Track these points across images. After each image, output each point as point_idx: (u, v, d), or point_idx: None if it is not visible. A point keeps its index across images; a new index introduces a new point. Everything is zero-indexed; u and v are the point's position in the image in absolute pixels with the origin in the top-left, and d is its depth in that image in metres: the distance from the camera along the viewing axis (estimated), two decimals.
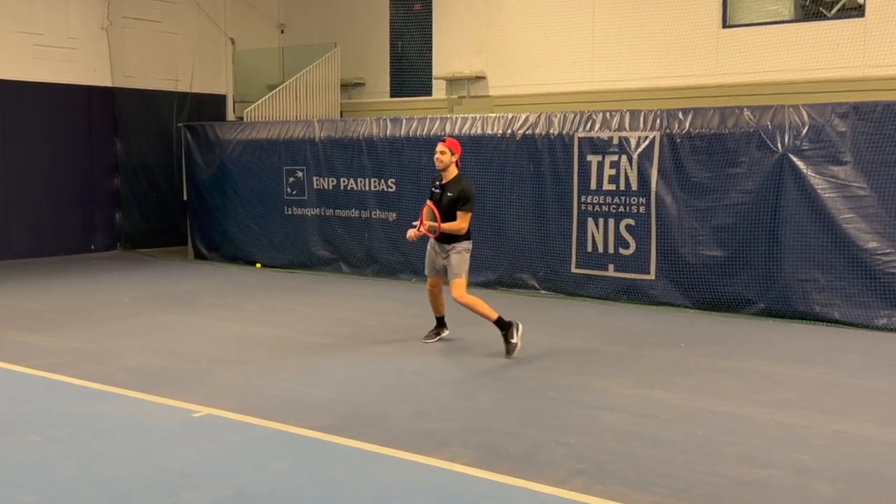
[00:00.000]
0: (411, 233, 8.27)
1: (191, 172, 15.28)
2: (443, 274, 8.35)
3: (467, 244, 8.20)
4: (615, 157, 10.85)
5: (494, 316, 8.04)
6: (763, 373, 7.57)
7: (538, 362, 7.89)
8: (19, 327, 9.39)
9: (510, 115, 11.88)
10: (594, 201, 11.05)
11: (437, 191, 8.19)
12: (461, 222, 8.06)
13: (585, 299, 11.10)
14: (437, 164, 8.15)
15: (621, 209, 10.84)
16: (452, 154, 8.08)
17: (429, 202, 8.23)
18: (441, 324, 8.72)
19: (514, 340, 7.98)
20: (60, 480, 5.04)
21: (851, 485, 5.02)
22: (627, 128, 10.80)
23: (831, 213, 9.51)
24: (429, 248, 8.38)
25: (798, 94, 11.99)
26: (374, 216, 13.08)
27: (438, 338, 8.65)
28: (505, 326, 8.04)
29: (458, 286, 8.08)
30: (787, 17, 13.25)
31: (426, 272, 8.49)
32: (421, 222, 8.21)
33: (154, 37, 16.61)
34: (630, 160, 10.73)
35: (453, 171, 8.13)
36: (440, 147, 8.12)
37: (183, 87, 16.81)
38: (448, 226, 8.06)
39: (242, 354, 8.23)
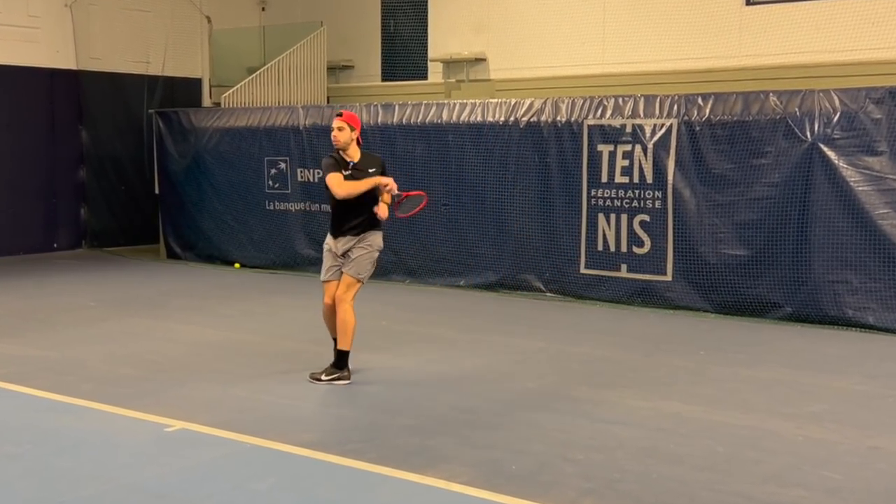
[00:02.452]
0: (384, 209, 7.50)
1: (163, 164, 15.26)
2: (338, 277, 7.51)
3: (380, 238, 7.54)
4: (628, 147, 10.85)
5: (348, 348, 7.39)
6: (790, 383, 7.57)
7: (544, 372, 7.89)
8: None
9: (513, 101, 11.87)
10: (605, 195, 11.05)
11: (350, 173, 7.36)
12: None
13: (595, 303, 11.10)
14: (334, 142, 7.37)
15: (635, 204, 10.84)
16: (353, 129, 7.40)
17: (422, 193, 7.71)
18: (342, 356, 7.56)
19: (325, 378, 7.39)
20: (19, 501, 5.03)
21: None
22: (642, 115, 10.79)
23: (865, 208, 9.51)
24: (327, 244, 7.59)
25: (829, 78, 11.98)
26: None
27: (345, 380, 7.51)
28: (342, 365, 7.43)
29: (352, 287, 7.38)
30: None
31: (322, 278, 7.60)
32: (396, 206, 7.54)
33: (123, 15, 16.58)
34: (645, 150, 10.73)
35: (356, 148, 7.44)
36: (338, 123, 7.37)
37: (154, 70, 16.76)
38: (364, 183, 7.29)
39: (219, 363, 8.22)
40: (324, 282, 7.60)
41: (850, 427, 6.40)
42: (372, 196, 7.43)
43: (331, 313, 7.56)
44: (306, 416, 6.60)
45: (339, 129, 7.38)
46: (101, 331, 9.58)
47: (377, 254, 7.52)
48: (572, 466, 5.58)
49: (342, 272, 7.46)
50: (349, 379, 7.45)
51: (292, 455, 5.76)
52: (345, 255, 7.48)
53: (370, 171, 7.45)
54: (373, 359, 8.39)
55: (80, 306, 11.01)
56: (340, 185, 7.31)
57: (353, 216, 7.45)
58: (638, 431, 6.27)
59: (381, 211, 7.48)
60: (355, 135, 7.45)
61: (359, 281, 7.44)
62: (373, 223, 7.51)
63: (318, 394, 7.20)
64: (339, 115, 7.47)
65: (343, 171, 7.39)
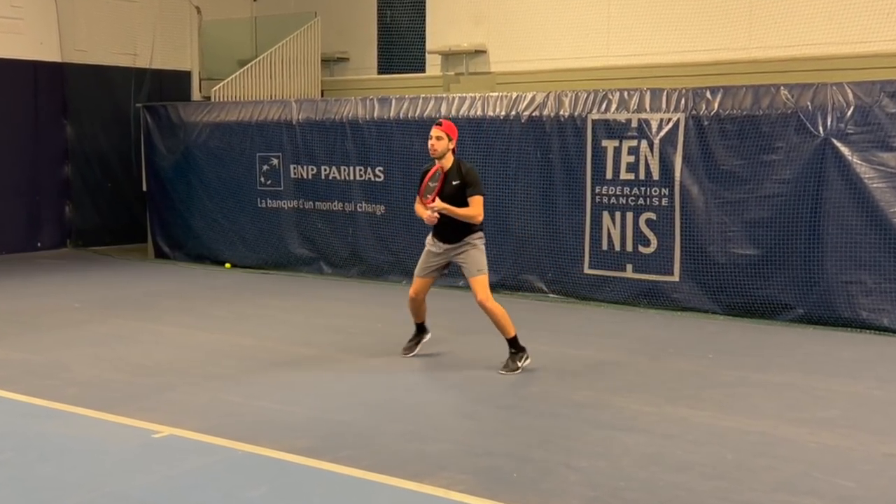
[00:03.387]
0: (426, 212, 7.94)
1: (151, 160, 15.25)
2: (438, 276, 8.25)
3: (482, 235, 8.00)
4: (634, 143, 10.85)
5: (513, 332, 7.95)
6: (802, 388, 7.58)
7: (546, 376, 7.89)
8: None
9: (514, 95, 11.87)
10: (610, 193, 11.05)
11: (436, 185, 7.87)
12: (475, 208, 7.81)
13: (600, 304, 11.10)
14: (431, 151, 7.90)
15: (641, 202, 10.84)
16: (450, 140, 7.87)
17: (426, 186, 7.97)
18: (421, 329, 8.56)
19: (519, 364, 7.93)
20: None
21: None
22: (648, 109, 10.79)
23: (880, 206, 9.52)
24: (428, 244, 8.17)
25: (843, 71, 11.99)
26: (359, 209, 13.08)
27: (420, 345, 8.53)
28: (519, 348, 7.99)
29: (483, 286, 7.86)
30: None
31: (417, 272, 8.24)
32: (425, 201, 7.93)
33: (109, 5, 16.58)
34: (651, 146, 10.73)
35: (450, 160, 7.91)
36: (435, 131, 7.89)
37: (142, 63, 16.77)
38: (461, 211, 7.79)
39: (210, 367, 8.22)
40: (417, 276, 8.22)
41: (864, 433, 6.40)
42: (463, 205, 7.82)
43: (416, 304, 8.31)
44: (299, 422, 6.59)
45: (438, 138, 7.85)
46: (87, 333, 9.58)
47: (482, 246, 7.99)
48: (576, 474, 5.57)
49: (466, 277, 8.01)
50: (528, 356, 8.02)
51: (285, 462, 5.75)
52: (450, 261, 8.07)
53: (454, 183, 7.84)
54: (368, 362, 8.39)
55: (64, 308, 11.00)
56: (417, 207, 8.17)
57: (450, 225, 7.95)
58: (644, 437, 6.26)
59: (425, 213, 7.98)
60: (452, 145, 7.90)
61: (484, 274, 7.91)
62: (470, 228, 7.94)
63: (312, 399, 7.20)
64: (439, 123, 7.94)
65: (430, 184, 7.94)
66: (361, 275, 13.12)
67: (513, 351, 7.97)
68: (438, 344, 8.77)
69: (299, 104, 13.79)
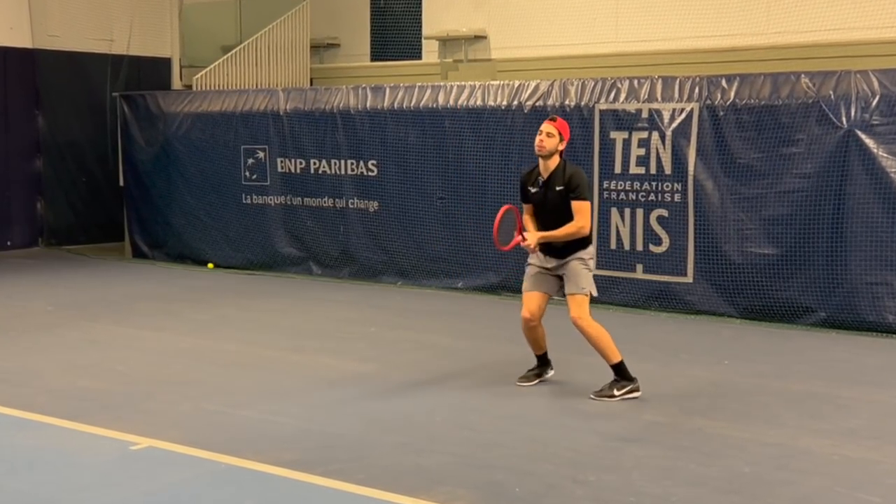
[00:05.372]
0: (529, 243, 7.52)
1: (128, 153, 15.25)
2: (551, 292, 7.67)
3: (591, 250, 7.53)
4: (644, 135, 10.85)
5: (618, 358, 7.42)
6: (824, 396, 7.58)
7: (552, 384, 7.88)
8: None
9: (517, 83, 11.87)
10: (619, 188, 11.05)
11: (538, 190, 7.50)
12: (580, 220, 7.33)
13: (608, 306, 11.09)
14: (538, 149, 7.44)
15: (652, 197, 10.84)
16: (561, 139, 7.43)
17: (513, 208, 7.64)
18: (544, 362, 7.94)
19: (616, 393, 7.37)
20: None
21: None
22: (659, 98, 10.80)
23: None
24: (531, 259, 7.71)
25: (867, 58, 12.00)
26: (350, 206, 13.07)
27: (540, 380, 7.89)
28: (626, 376, 7.44)
29: (581, 305, 7.41)
30: None
31: (525, 287, 7.73)
32: (519, 230, 7.55)
33: None
34: (663, 138, 10.73)
35: (556, 161, 7.45)
36: (547, 126, 7.42)
37: (119, 49, 16.75)
38: (562, 231, 7.35)
39: (191, 374, 8.21)
40: (526, 291, 7.71)
41: (890, 445, 6.40)
42: (568, 214, 7.38)
43: (531, 329, 7.71)
44: (287, 433, 6.59)
45: (549, 134, 7.41)
46: (60, 338, 9.57)
47: (591, 262, 7.55)
48: (583, 489, 5.57)
49: (565, 294, 7.51)
50: (637, 388, 7.42)
51: (271, 476, 5.74)
52: (558, 275, 7.55)
53: (557, 188, 7.42)
54: (360, 369, 8.39)
55: (35, 311, 10.99)
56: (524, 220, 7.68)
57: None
58: (655, 450, 6.26)
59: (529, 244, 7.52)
60: (562, 146, 7.47)
61: (585, 295, 7.46)
62: (580, 242, 7.46)
63: (300, 409, 7.20)
64: (553, 119, 7.52)
65: (530, 189, 7.56)
66: (353, 276, 13.11)
67: (616, 379, 7.43)
68: (435, 349, 8.76)
69: (287, 93, 13.78)
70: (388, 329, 10.01)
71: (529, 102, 11.63)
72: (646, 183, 10.87)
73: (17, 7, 15.93)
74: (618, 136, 11.04)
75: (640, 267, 10.99)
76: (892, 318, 9.63)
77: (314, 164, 13.34)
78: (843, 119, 9.81)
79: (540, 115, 11.50)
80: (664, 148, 10.73)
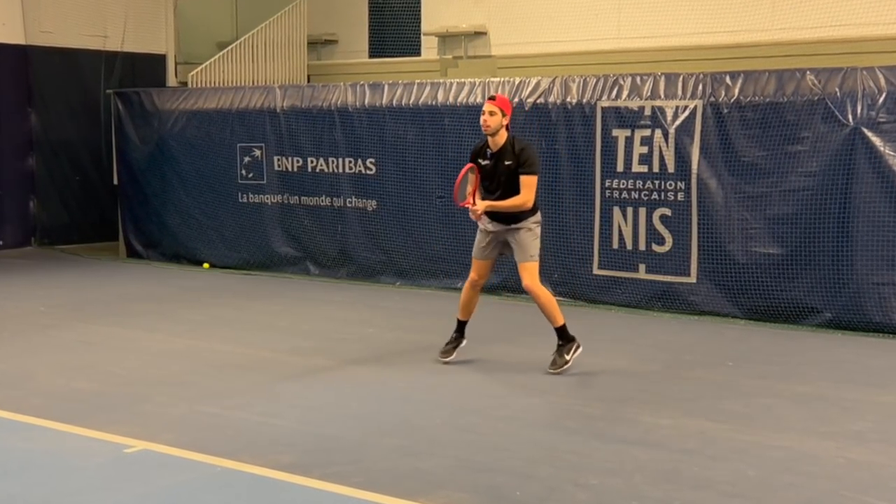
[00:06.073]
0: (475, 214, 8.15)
1: (123, 151, 15.25)
2: (495, 257, 8.42)
3: (538, 218, 8.19)
4: (647, 132, 10.85)
5: (561, 321, 8.18)
6: (830, 398, 7.58)
7: (553, 385, 7.89)
8: None
9: (517, 80, 11.87)
10: (621, 186, 11.05)
11: (488, 162, 8.09)
12: (525, 193, 7.97)
13: (610, 307, 11.10)
14: (483, 128, 8.04)
15: (655, 196, 10.84)
16: (504, 115, 8.02)
17: (474, 166, 8.16)
18: (461, 331, 8.60)
19: (567, 357, 8.16)
20: None
21: None
22: (662, 95, 10.79)
23: None
24: (481, 223, 8.30)
25: (874, 54, 12.00)
26: (348, 205, 13.07)
27: (458, 351, 8.56)
28: (568, 338, 8.21)
29: (532, 271, 8.13)
30: None
31: (474, 254, 8.41)
32: (472, 193, 8.14)
33: None
34: (666, 136, 10.73)
35: (504, 136, 8.05)
36: (488, 106, 8.02)
37: (113, 46, 16.74)
38: (507, 203, 7.99)
39: (186, 375, 8.21)
40: (475, 258, 8.42)
41: None
42: (515, 186, 7.97)
43: (470, 294, 8.46)
44: (284, 436, 6.58)
45: (491, 113, 7.99)
46: (53, 339, 9.57)
47: (537, 228, 8.18)
48: (585, 492, 5.57)
49: (516, 261, 8.24)
50: (579, 347, 8.23)
51: (268, 479, 5.74)
52: (504, 242, 8.21)
53: (507, 162, 7.99)
54: (359, 370, 8.39)
55: (28, 312, 10.99)
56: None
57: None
58: (658, 453, 6.26)
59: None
60: (506, 121, 8.04)
61: (535, 261, 8.15)
62: (528, 211, 8.09)
63: (297, 411, 7.20)
64: (492, 98, 8.10)
65: (480, 161, 8.12)
66: (351, 276, 13.11)
67: (560, 343, 8.18)
68: (434, 351, 8.75)
69: (284, 90, 13.78)
70: (386, 330, 10.01)
71: (530, 100, 11.62)
72: (648, 181, 10.87)
73: (9, 2, 15.91)
74: (620, 134, 11.03)
75: (642, 267, 10.98)
76: None
77: (311, 162, 13.33)
78: (850, 116, 9.81)
79: (541, 112, 11.53)
80: (667, 146, 10.73)
